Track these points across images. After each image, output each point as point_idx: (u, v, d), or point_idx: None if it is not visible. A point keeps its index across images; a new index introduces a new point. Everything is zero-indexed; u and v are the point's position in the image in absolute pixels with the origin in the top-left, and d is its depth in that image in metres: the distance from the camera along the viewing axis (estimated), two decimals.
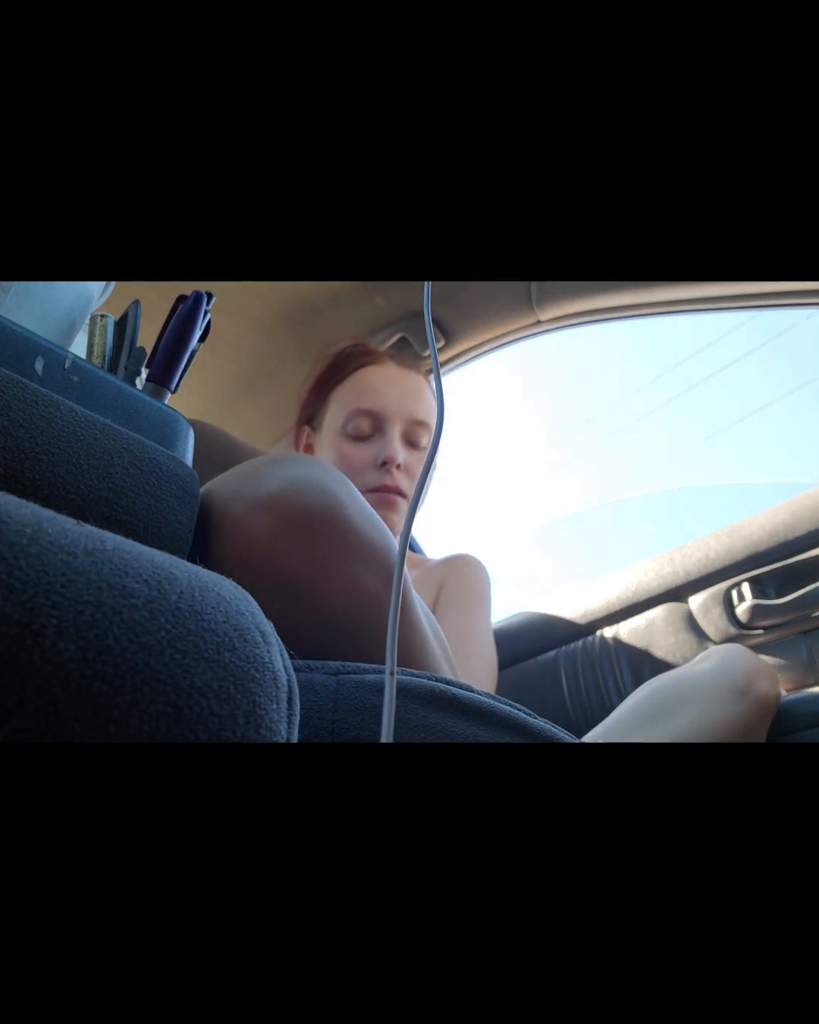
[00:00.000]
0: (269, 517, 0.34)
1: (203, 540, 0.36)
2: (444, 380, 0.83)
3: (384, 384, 0.83)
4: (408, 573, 0.90)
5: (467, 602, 0.84)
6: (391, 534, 0.39)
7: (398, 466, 0.79)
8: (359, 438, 0.81)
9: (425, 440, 0.83)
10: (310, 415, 0.89)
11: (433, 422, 0.84)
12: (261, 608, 0.35)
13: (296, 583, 0.35)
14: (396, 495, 0.79)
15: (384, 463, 0.79)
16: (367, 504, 0.38)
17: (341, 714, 0.29)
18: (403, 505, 0.80)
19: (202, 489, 0.38)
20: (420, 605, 0.41)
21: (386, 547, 0.37)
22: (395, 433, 0.81)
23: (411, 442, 0.83)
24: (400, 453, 0.80)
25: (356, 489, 0.38)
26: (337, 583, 0.35)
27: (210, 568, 0.36)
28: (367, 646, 0.37)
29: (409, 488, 0.80)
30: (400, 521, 0.81)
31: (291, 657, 0.24)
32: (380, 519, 0.39)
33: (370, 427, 0.81)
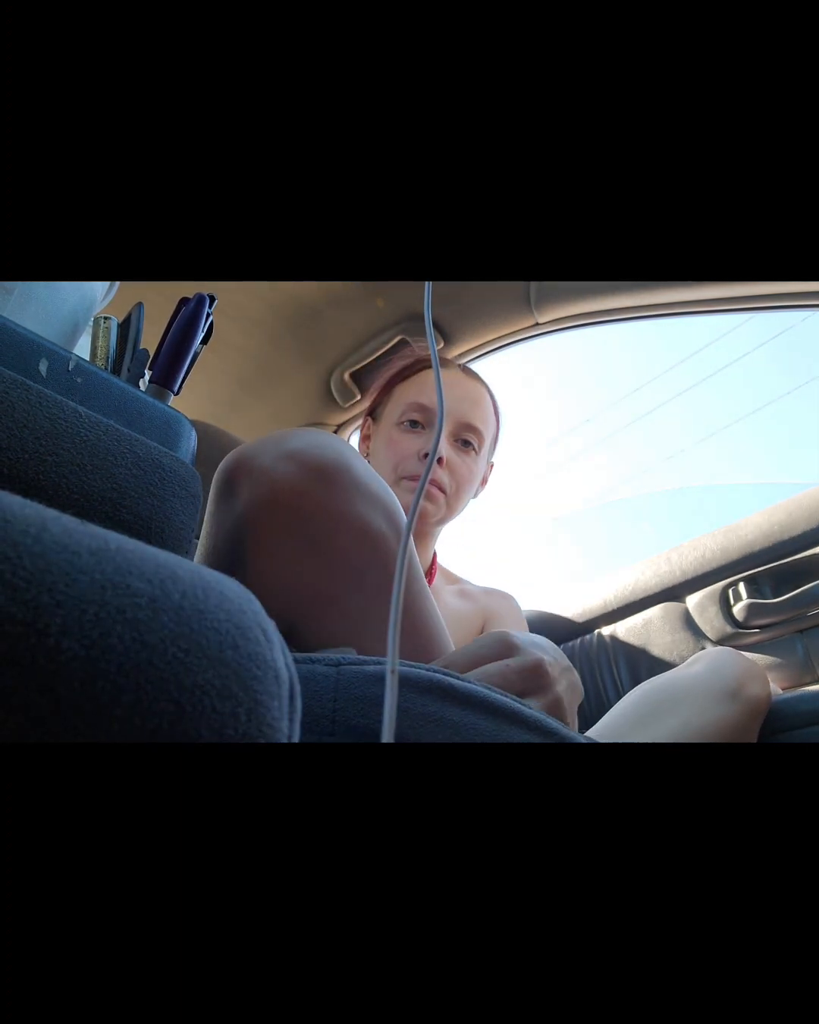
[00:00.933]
0: (292, 464, 0.41)
1: (234, 489, 0.42)
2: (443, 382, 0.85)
3: (444, 385, 0.86)
4: (449, 587, 0.92)
5: None
6: (391, 490, 0.44)
7: (441, 460, 0.82)
8: (411, 429, 0.85)
9: (474, 442, 0.86)
10: (373, 407, 0.94)
11: (485, 429, 0.87)
12: (286, 548, 0.40)
13: (314, 521, 0.41)
14: (434, 487, 0.81)
15: (426, 456, 0.81)
16: (369, 465, 0.44)
17: (341, 703, 0.30)
18: (441, 499, 0.83)
19: (235, 449, 0.44)
20: (422, 581, 0.46)
21: (388, 497, 0.44)
22: (445, 430, 0.84)
23: (460, 442, 0.85)
24: (446, 448, 0.83)
25: (361, 456, 0.44)
26: (348, 521, 0.41)
27: (242, 510, 0.41)
28: (370, 580, 0.42)
29: (449, 484, 0.83)
30: (436, 512, 0.83)
31: (292, 652, 0.24)
32: (381, 478, 0.44)
33: (424, 420, 0.85)
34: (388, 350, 1.12)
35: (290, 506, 0.40)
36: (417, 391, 0.87)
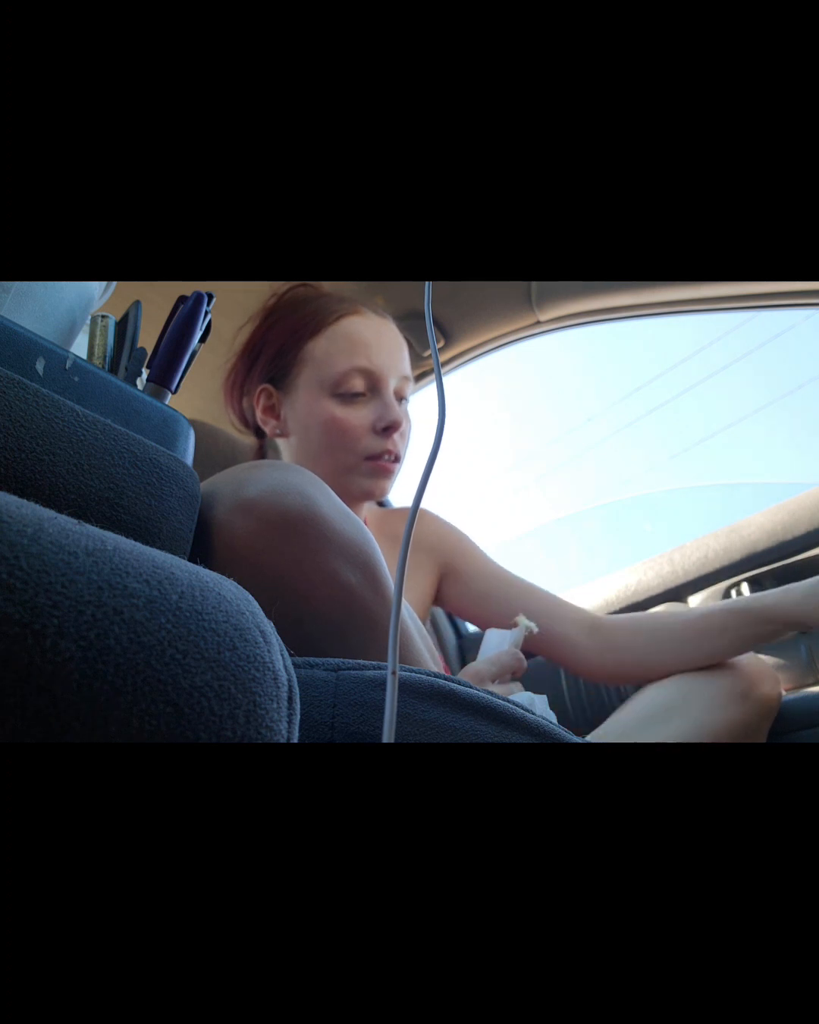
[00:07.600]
0: (249, 518, 0.36)
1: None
2: (444, 380, 0.81)
3: (374, 338, 0.74)
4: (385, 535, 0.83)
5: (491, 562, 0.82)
6: (368, 530, 0.40)
7: (398, 426, 0.73)
8: (351, 399, 0.73)
9: (408, 393, 0.76)
10: (273, 373, 0.78)
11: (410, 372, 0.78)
12: None
13: (278, 580, 0.37)
14: (395, 462, 0.74)
15: (386, 429, 0.72)
16: (342, 504, 0.40)
17: (341, 709, 0.29)
18: (397, 469, 0.75)
19: None
20: (405, 604, 0.42)
21: (363, 542, 0.39)
22: (390, 393, 0.74)
23: (400, 398, 0.76)
24: (402, 417, 0.74)
25: (331, 490, 0.40)
26: (316, 578, 0.37)
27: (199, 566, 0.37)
28: (351, 639, 0.38)
29: (402, 449, 0.75)
30: (392, 486, 0.76)
31: (290, 655, 0.24)
32: (356, 517, 0.40)
33: (364, 386, 0.73)
34: None
35: (252, 566, 0.36)
36: (347, 353, 0.73)
